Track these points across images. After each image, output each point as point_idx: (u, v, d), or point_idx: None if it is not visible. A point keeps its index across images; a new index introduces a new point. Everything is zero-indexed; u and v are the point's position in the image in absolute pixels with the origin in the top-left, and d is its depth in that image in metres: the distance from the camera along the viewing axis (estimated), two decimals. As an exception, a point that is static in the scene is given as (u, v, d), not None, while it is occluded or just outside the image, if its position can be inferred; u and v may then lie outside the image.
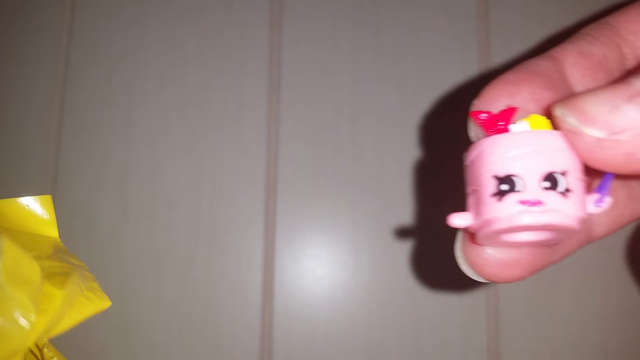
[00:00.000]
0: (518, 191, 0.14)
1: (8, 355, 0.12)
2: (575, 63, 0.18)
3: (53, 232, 0.20)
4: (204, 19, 0.35)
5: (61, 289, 0.14)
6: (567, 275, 0.33)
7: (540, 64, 0.17)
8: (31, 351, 0.18)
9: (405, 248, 0.32)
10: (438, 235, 0.32)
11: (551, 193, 0.14)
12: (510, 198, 0.14)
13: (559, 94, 0.17)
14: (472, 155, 0.15)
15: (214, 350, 0.32)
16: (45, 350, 0.19)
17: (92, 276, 0.17)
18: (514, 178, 0.14)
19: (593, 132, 0.13)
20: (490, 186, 0.14)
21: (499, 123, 0.15)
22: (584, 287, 0.33)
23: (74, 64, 0.34)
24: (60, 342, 0.19)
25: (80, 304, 0.15)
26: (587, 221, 0.15)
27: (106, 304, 0.16)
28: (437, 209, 0.33)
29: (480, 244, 0.16)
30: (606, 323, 0.32)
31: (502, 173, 0.14)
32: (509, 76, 0.17)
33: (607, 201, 0.15)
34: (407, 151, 0.34)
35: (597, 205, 0.15)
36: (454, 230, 0.17)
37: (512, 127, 0.15)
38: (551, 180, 0.14)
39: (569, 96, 0.14)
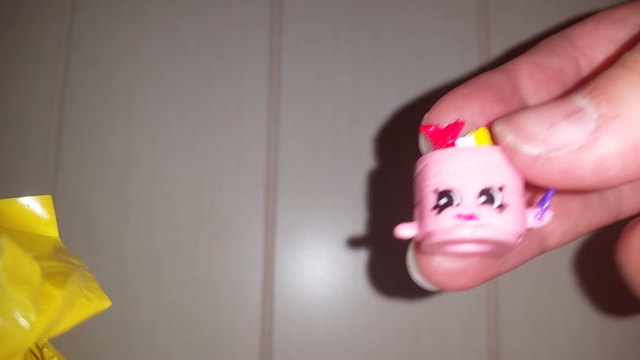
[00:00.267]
0: (455, 205, 0.14)
1: (8, 355, 0.12)
2: (530, 76, 0.18)
3: (53, 232, 0.20)
4: (204, 19, 0.35)
5: (61, 289, 0.14)
6: (567, 275, 0.33)
7: (494, 77, 0.18)
8: (31, 351, 0.18)
9: (405, 248, 0.32)
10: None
11: (487, 208, 0.14)
12: (447, 212, 0.14)
13: (509, 107, 0.17)
14: (418, 168, 0.16)
15: (214, 350, 0.32)
16: (45, 350, 0.19)
17: (92, 276, 0.17)
18: (452, 193, 0.14)
19: (530, 149, 0.14)
20: (431, 200, 0.15)
21: (446, 137, 0.15)
22: (584, 287, 0.33)
23: (74, 64, 0.34)
24: (60, 342, 0.19)
25: (80, 304, 0.15)
26: (525, 234, 0.15)
27: (106, 304, 0.16)
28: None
29: (427, 254, 0.16)
30: (606, 323, 0.32)
31: (441, 187, 0.15)
32: (460, 90, 0.17)
33: (548, 216, 0.15)
34: (407, 151, 0.34)
35: (538, 219, 0.15)
36: None
37: (458, 141, 0.15)
38: (488, 195, 0.14)
39: (511, 112, 0.15)
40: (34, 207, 0.20)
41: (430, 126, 0.16)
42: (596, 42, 0.18)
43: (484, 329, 0.32)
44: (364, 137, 0.34)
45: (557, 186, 0.14)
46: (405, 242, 0.18)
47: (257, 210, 0.33)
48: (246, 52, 0.34)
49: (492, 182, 0.14)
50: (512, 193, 0.14)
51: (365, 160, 0.33)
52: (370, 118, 0.34)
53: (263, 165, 0.33)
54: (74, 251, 0.19)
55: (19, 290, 0.12)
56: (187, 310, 0.32)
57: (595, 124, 0.13)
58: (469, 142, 0.15)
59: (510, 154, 0.14)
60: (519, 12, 0.35)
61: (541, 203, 0.15)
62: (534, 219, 0.15)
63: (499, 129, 0.14)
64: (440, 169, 0.15)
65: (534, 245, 0.17)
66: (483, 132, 0.15)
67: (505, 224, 0.14)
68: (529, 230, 0.16)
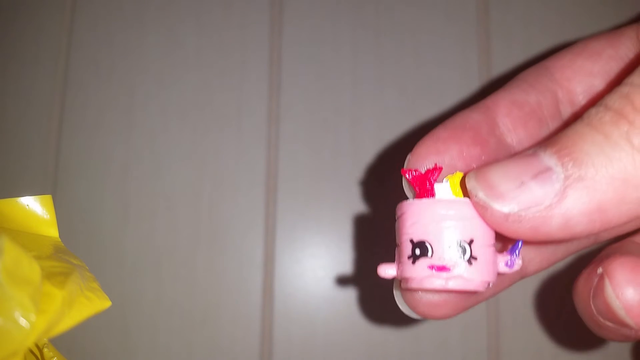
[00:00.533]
0: (429, 256, 0.15)
1: (8, 355, 0.12)
2: (508, 113, 0.19)
3: (53, 232, 0.20)
4: (204, 19, 0.35)
5: (61, 289, 0.14)
6: (567, 276, 0.33)
7: (471, 117, 0.18)
8: (31, 351, 0.18)
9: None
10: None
11: (458, 260, 0.15)
12: (421, 262, 0.15)
13: (487, 149, 0.18)
14: (397, 213, 0.17)
15: (214, 350, 0.32)
16: (45, 350, 0.19)
17: (92, 276, 0.17)
18: (426, 244, 0.15)
19: (500, 207, 0.14)
20: (408, 248, 0.16)
21: (425, 182, 0.16)
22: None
23: (74, 64, 0.34)
24: (60, 342, 0.19)
25: (80, 304, 0.15)
26: (495, 280, 0.16)
27: (106, 304, 0.16)
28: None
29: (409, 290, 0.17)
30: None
31: (416, 238, 0.16)
32: (439, 132, 0.18)
33: (518, 263, 0.16)
34: (406, 151, 0.34)
35: (508, 266, 0.16)
36: None
37: (436, 186, 0.16)
38: (459, 247, 0.15)
39: (481, 166, 0.15)
40: (34, 207, 0.20)
41: (409, 170, 0.17)
42: (574, 75, 0.19)
43: (484, 329, 0.32)
44: (364, 137, 0.34)
45: (527, 240, 0.15)
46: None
47: (257, 210, 0.33)
48: (246, 52, 0.34)
49: (464, 235, 0.15)
50: (483, 244, 0.15)
51: (365, 161, 0.33)
52: (370, 118, 0.34)
53: (263, 166, 0.33)
54: (74, 251, 0.19)
55: (19, 290, 0.12)
56: (187, 310, 0.32)
57: (562, 185, 0.13)
58: (445, 188, 0.16)
59: (481, 210, 0.15)
60: (519, 14, 0.35)
61: (511, 251, 0.16)
62: (504, 265, 0.16)
63: (470, 185, 0.15)
64: (416, 220, 0.16)
65: (513, 274, 0.18)
66: (458, 178, 0.16)
67: (475, 275, 0.15)
68: (500, 275, 0.16)
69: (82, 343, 0.31)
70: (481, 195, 0.15)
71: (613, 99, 0.14)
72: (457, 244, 0.15)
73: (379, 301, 0.32)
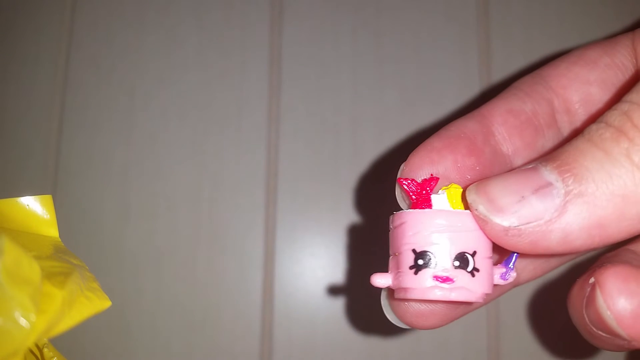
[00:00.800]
0: (433, 267, 0.15)
1: (8, 355, 0.12)
2: (504, 122, 0.19)
3: (53, 232, 0.20)
4: (204, 19, 0.35)
5: (61, 289, 0.14)
6: (567, 276, 0.33)
7: (466, 125, 0.18)
8: (31, 351, 0.18)
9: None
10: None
11: (461, 272, 0.15)
12: (425, 273, 0.15)
13: (482, 158, 0.18)
14: (395, 222, 0.17)
15: (214, 349, 0.32)
16: (45, 350, 0.19)
17: (92, 276, 0.17)
18: (429, 254, 0.15)
19: (500, 221, 0.14)
20: (409, 258, 0.16)
21: (421, 193, 0.16)
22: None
23: (74, 64, 0.34)
24: (60, 342, 0.19)
25: (80, 304, 0.15)
26: (490, 291, 0.16)
27: (106, 303, 0.16)
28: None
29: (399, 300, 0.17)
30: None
31: (419, 248, 0.16)
32: (433, 142, 0.18)
33: (512, 276, 0.16)
34: (406, 151, 0.34)
35: (503, 278, 0.16)
36: None
37: (433, 198, 0.16)
38: (462, 259, 0.15)
39: (481, 179, 0.15)
40: (34, 207, 0.20)
41: (405, 180, 0.17)
42: (570, 84, 0.19)
43: (484, 329, 0.32)
44: (364, 137, 0.34)
45: (526, 253, 0.15)
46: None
47: (257, 211, 0.33)
48: (246, 52, 0.34)
49: (466, 247, 0.15)
50: (483, 257, 0.16)
51: (365, 161, 0.33)
52: (370, 118, 0.34)
53: (263, 166, 0.33)
54: (74, 251, 0.19)
55: (19, 290, 0.12)
56: (188, 310, 0.32)
57: (562, 200, 0.14)
58: (443, 199, 0.16)
59: (482, 224, 0.15)
60: (519, 15, 0.35)
61: (506, 263, 0.16)
62: (499, 277, 0.16)
63: (470, 198, 0.15)
64: (418, 230, 0.16)
65: (506, 284, 0.18)
66: (455, 189, 0.16)
67: (476, 287, 0.15)
68: (495, 286, 0.17)
69: (82, 343, 0.31)
70: (481, 208, 0.15)
71: (613, 116, 0.14)
72: (461, 255, 0.15)
73: (379, 301, 0.32)
